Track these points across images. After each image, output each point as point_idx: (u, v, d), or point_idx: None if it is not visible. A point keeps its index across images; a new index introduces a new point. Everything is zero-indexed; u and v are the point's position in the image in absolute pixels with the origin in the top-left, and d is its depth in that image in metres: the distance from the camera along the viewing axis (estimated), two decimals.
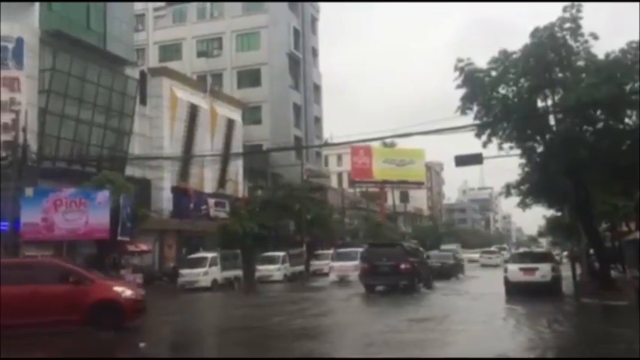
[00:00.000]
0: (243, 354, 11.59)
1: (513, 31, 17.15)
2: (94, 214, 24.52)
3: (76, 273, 14.24)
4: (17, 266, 15.23)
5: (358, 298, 23.00)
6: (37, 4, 28.09)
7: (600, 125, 20.37)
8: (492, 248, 63.21)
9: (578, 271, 24.33)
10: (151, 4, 54.70)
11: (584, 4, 19.39)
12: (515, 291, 20.92)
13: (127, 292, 14.35)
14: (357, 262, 30.67)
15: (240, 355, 11.46)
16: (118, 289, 14.50)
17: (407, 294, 22.72)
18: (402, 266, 24.00)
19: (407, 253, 25.70)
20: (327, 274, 34.96)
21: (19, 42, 26.84)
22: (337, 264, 33.81)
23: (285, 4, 53.55)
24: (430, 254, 35.40)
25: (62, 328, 13.19)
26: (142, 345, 12.28)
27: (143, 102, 34.69)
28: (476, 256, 53.49)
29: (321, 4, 61.91)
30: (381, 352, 11.30)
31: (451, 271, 33.13)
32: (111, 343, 13.05)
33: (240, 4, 54.14)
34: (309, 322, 15.79)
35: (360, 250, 32.19)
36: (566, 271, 24.33)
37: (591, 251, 25.29)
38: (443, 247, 52.96)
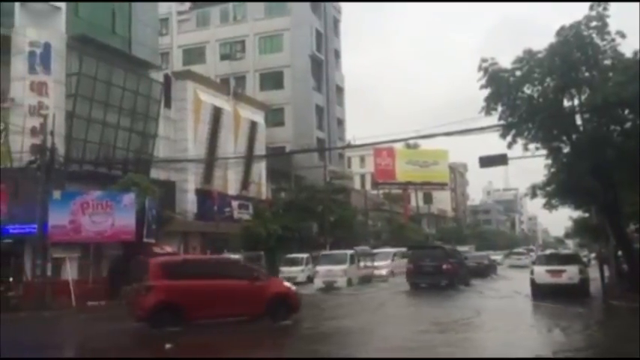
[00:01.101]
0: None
1: (542, 31, 17.09)
2: (120, 217, 24.86)
3: (257, 270, 17.33)
4: (209, 263, 18.06)
5: (402, 295, 25.10)
6: (63, 10, 28.52)
7: (628, 125, 19.98)
8: (520, 249, 64.79)
9: (607, 273, 23.97)
10: (174, 9, 55.28)
11: (610, 2, 19.04)
12: (542, 293, 20.68)
13: (293, 288, 17.03)
14: (345, 266, 30.22)
15: None
16: (287, 284, 17.22)
17: (449, 290, 25.60)
18: (444, 267, 27.12)
19: (447, 255, 28.76)
20: None
21: (47, 47, 27.27)
22: (323, 268, 30.42)
23: (308, 6, 53.70)
24: (467, 256, 38.05)
25: (247, 318, 15.20)
26: (168, 346, 12.39)
27: (168, 105, 35.02)
28: (498, 257, 53.08)
29: (344, 6, 61.97)
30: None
31: (485, 271, 36.30)
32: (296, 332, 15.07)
33: (262, 7, 54.43)
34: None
35: (351, 252, 32.23)
36: (594, 273, 23.99)
37: (619, 253, 24.85)
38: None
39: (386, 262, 37.13)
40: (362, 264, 33.63)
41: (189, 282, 14.82)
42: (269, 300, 15.46)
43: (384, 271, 35.51)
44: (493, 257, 46.12)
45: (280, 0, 53.30)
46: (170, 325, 13.88)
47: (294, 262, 34.99)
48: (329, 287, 28.62)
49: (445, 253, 28.94)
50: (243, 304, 15.19)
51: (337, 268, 29.92)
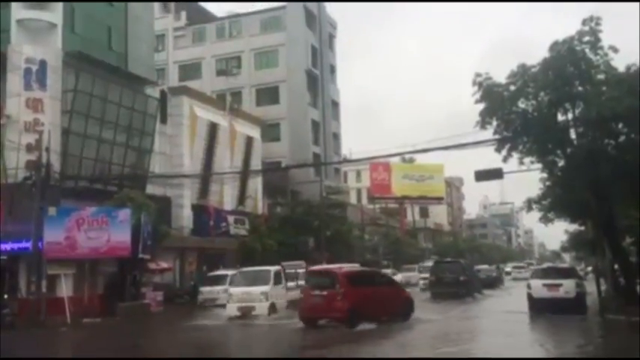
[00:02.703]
0: None
1: (542, 50, 17.27)
2: (115, 233, 24.74)
3: (394, 279, 23.58)
4: (370, 274, 22.06)
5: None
6: (59, 27, 28.62)
7: (622, 139, 20.10)
8: (522, 264, 70.04)
9: (603, 286, 23.94)
10: (170, 25, 55.55)
11: (603, 17, 19.23)
12: (539, 307, 20.63)
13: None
14: (267, 287, 22.54)
15: None
16: (407, 290, 21.99)
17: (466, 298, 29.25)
18: (462, 278, 30.84)
19: (464, 268, 32.81)
20: None
21: (43, 64, 27.33)
22: (238, 290, 22.93)
23: (303, 21, 54.02)
24: (479, 269, 42.46)
25: (392, 317, 18.53)
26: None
27: (164, 121, 35.05)
28: (508, 269, 59.70)
29: (342, 21, 62.37)
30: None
31: (494, 282, 41.16)
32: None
33: (258, 23, 54.76)
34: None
35: (276, 268, 24.37)
36: (590, 287, 23.95)
37: (616, 266, 24.84)
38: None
39: None
40: (294, 283, 25.20)
41: (365, 289, 18.46)
42: (403, 302, 19.91)
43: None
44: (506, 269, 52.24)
45: (293, 0, 53.34)
46: (358, 324, 17.23)
47: (290, 278, 34.73)
48: (246, 315, 21.74)
49: (462, 267, 32.98)
50: (392, 305, 19.23)
51: (256, 290, 22.38)
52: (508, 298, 30.47)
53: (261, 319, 21.28)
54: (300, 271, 26.49)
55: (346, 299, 17.64)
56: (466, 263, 36.67)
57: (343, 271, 19.59)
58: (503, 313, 21.79)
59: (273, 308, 22.35)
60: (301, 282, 25.68)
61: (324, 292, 18.18)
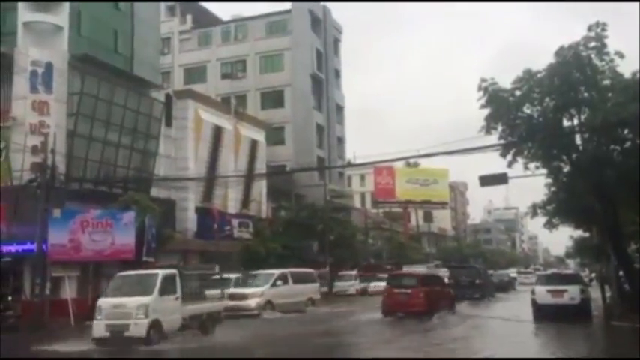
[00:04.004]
0: None
1: (549, 57, 17.32)
2: (119, 235, 24.80)
3: (444, 280, 27.86)
4: (430, 275, 28.15)
5: None
6: (66, 29, 28.73)
7: (628, 144, 20.02)
8: (529, 269, 71.82)
9: (608, 293, 23.84)
10: (176, 28, 55.70)
11: (611, 22, 19.20)
12: (543, 313, 20.55)
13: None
14: (148, 299, 16.29)
15: None
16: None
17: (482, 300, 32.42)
18: (477, 281, 34.06)
19: (479, 272, 36.05)
20: (351, 295, 34.56)
21: (49, 67, 27.45)
22: (108, 302, 16.75)
23: (308, 25, 54.13)
24: (492, 273, 45.51)
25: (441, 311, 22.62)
26: None
27: (169, 124, 35.11)
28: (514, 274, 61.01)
29: (348, 25, 62.43)
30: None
31: (506, 286, 44.34)
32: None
33: (263, 26, 54.85)
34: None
35: (166, 272, 17.52)
36: (595, 293, 23.87)
37: (621, 273, 24.75)
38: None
39: (260, 288, 26.03)
40: (217, 291, 20.60)
41: (432, 287, 23.79)
42: (450, 299, 25.29)
43: (252, 303, 24.94)
44: (512, 275, 54.74)
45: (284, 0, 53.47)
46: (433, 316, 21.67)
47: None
48: (115, 338, 15.99)
49: (477, 271, 36.26)
50: (444, 301, 24.09)
51: (132, 302, 16.40)
52: (523, 300, 30.47)
53: (139, 343, 15.83)
54: (218, 277, 22.04)
55: (426, 296, 22.55)
56: (481, 268, 40.26)
57: (422, 274, 26.42)
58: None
59: (157, 329, 16.35)
60: (232, 289, 24.63)
61: (408, 290, 22.88)
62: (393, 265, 52.99)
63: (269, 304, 25.88)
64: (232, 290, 24.86)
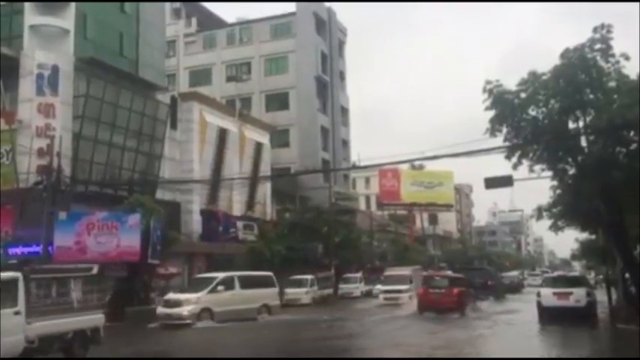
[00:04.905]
0: None
1: (553, 61, 17.21)
2: (125, 237, 24.83)
3: (466, 281, 29.78)
4: (451, 277, 29.47)
5: None
6: (71, 33, 28.85)
7: (634, 147, 19.93)
8: (537, 272, 74.31)
9: (614, 295, 23.74)
10: (181, 31, 55.87)
11: (614, 25, 19.12)
12: (549, 316, 20.48)
13: None
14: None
15: None
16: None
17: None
18: (489, 282, 36.52)
19: (491, 274, 39.10)
20: (356, 298, 34.48)
21: (55, 69, 27.57)
22: None
23: (313, 28, 54.19)
24: (503, 275, 48.64)
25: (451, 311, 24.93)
26: None
27: (174, 126, 35.21)
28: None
29: (354, 28, 62.46)
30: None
31: (516, 288, 46.48)
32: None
33: (268, 29, 54.97)
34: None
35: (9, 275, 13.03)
36: (601, 296, 23.77)
37: (627, 275, 24.64)
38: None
39: (196, 294, 23.52)
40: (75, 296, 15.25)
41: (459, 288, 26.74)
42: (470, 298, 28.19)
43: (184, 311, 22.61)
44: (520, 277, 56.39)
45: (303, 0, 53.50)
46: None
47: (298, 284, 34.80)
48: None
49: (489, 273, 39.39)
50: (467, 299, 27.02)
51: None
52: (528, 302, 31.00)
53: None
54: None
55: (458, 295, 25.77)
56: (493, 270, 43.61)
57: (452, 276, 29.94)
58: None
59: None
60: (168, 296, 24.00)
61: (442, 290, 25.87)
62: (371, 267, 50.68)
63: (207, 312, 22.89)
64: (167, 296, 24.05)
